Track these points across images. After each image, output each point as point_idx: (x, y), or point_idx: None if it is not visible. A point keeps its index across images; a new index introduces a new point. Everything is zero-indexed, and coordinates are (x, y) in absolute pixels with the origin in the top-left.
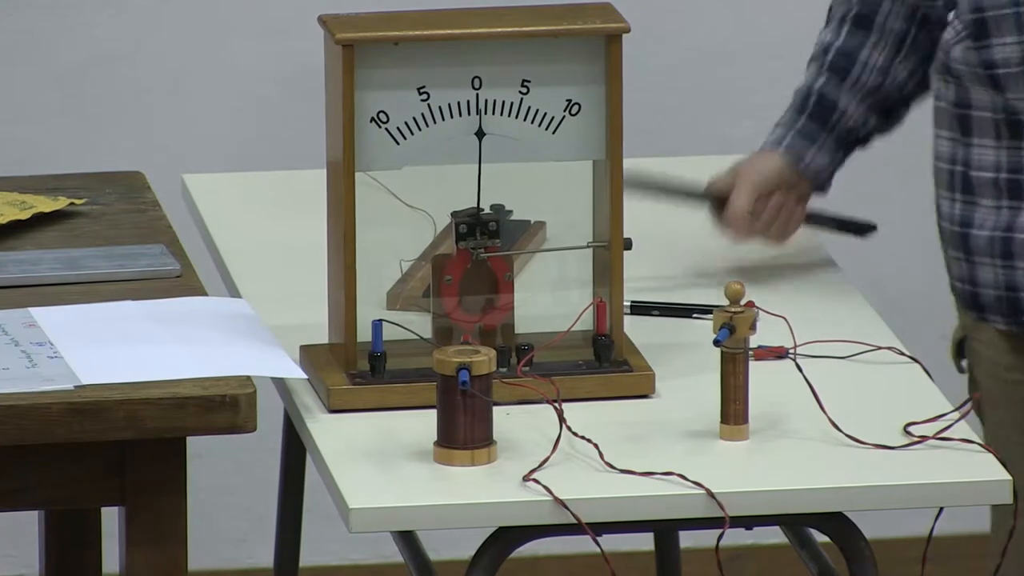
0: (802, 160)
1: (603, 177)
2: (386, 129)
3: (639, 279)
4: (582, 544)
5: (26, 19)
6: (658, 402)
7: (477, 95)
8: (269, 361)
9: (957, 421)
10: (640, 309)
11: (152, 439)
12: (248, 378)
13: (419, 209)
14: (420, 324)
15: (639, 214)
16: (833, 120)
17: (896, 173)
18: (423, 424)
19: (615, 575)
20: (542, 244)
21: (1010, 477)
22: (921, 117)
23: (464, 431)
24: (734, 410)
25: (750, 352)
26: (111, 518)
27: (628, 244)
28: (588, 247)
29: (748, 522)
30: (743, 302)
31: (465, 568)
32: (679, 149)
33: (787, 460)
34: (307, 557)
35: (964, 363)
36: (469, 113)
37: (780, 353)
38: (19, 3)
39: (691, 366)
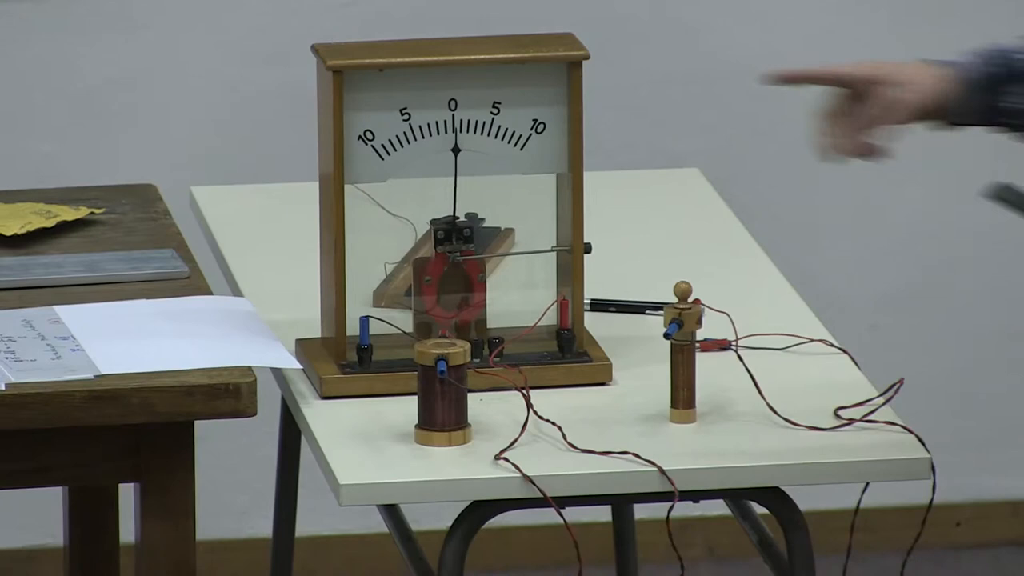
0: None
1: (566, 188)
2: (372, 146)
3: (598, 279)
4: (547, 516)
5: (47, 46)
6: (615, 389)
7: (453, 115)
8: (268, 353)
9: (882, 405)
10: (599, 306)
11: (164, 423)
12: (249, 368)
13: (402, 217)
14: (403, 320)
15: (598, 221)
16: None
17: (830, 179)
18: (405, 409)
19: (576, 543)
20: (511, 248)
21: (929, 455)
22: None
23: (442, 415)
24: (683, 396)
25: (697, 344)
26: (127, 494)
27: (588, 248)
28: (552, 251)
29: (695, 496)
30: (690, 300)
31: (443, 537)
32: (633, 163)
33: (730, 440)
34: (302, 528)
35: None
36: (446, 131)
37: (724, 345)
38: (40, 31)
39: (644, 357)
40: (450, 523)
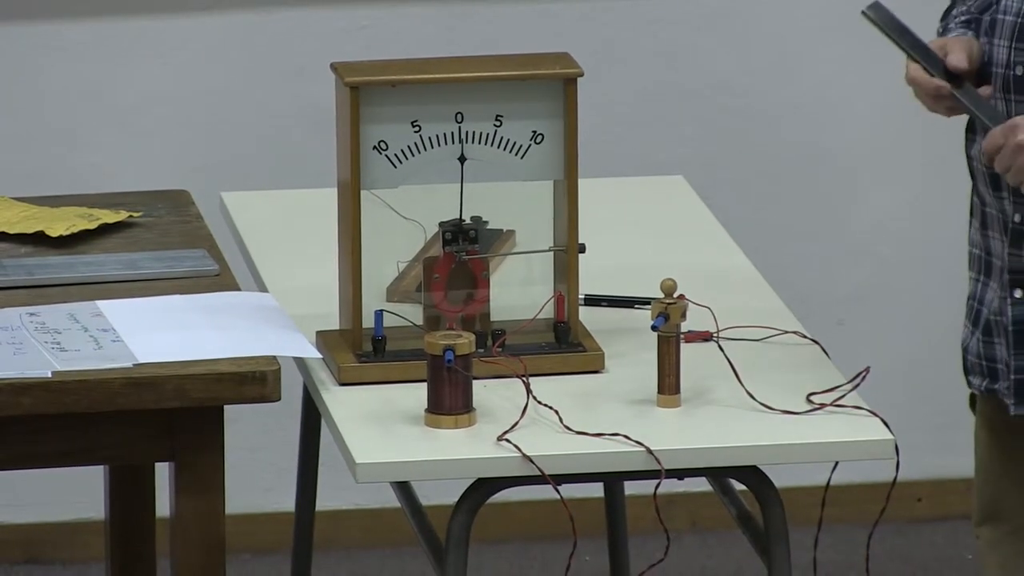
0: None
1: (562, 194)
2: (385, 155)
3: (591, 277)
4: (546, 492)
5: (90, 68)
6: (607, 376)
7: (459, 127)
8: (290, 343)
9: (849, 391)
10: (592, 301)
11: (196, 407)
12: (274, 357)
13: (413, 220)
14: (414, 313)
15: (591, 224)
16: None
17: (802, 187)
18: (416, 395)
19: (572, 517)
20: (512, 248)
21: (892, 437)
22: (815, 131)
23: (449, 400)
24: (668, 383)
25: (681, 336)
26: (163, 472)
27: (582, 248)
28: (550, 251)
29: (680, 474)
30: (676, 295)
31: (450, 511)
32: (623, 171)
33: (712, 423)
34: (322, 502)
35: None
36: (453, 142)
37: (706, 336)
38: (83, 56)
39: (634, 347)
40: (457, 499)
